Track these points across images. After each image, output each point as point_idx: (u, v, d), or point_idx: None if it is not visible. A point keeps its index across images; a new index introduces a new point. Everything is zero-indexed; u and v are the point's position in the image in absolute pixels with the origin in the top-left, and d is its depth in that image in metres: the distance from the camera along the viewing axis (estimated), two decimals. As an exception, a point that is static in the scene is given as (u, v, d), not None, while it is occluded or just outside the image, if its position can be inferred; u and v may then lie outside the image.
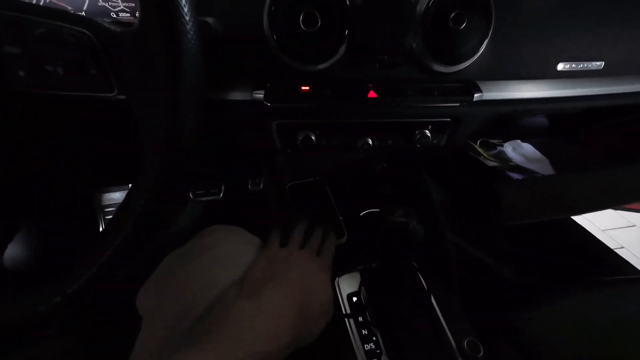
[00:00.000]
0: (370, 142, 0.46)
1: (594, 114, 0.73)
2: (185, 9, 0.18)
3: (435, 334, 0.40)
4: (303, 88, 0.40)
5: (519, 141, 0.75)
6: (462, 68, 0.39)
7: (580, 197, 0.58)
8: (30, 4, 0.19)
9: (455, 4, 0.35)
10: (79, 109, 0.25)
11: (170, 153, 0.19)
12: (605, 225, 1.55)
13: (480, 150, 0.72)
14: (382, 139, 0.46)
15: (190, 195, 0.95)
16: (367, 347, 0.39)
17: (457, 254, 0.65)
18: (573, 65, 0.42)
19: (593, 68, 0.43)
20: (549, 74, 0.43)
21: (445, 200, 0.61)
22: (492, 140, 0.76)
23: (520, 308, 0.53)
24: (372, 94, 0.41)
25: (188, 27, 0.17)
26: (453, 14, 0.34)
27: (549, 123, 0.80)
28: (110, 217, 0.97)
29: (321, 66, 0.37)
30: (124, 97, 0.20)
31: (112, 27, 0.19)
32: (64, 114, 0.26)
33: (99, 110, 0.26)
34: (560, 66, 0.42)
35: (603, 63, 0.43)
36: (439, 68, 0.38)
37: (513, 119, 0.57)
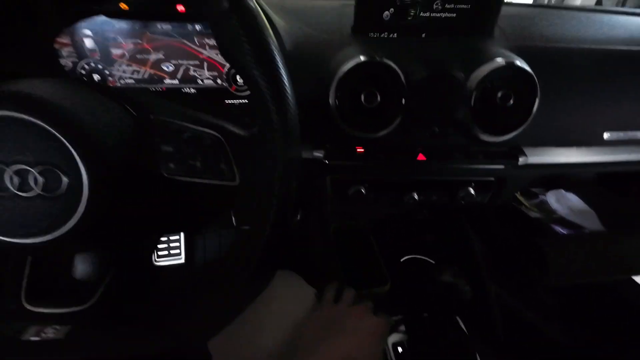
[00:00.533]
0: (416, 197, 0.49)
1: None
2: (295, 121, 0.23)
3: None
4: (358, 150, 0.45)
5: (562, 191, 0.74)
6: (508, 138, 0.42)
7: (630, 259, 0.56)
8: (184, 112, 0.25)
9: (503, 83, 0.39)
10: (205, 191, 0.31)
11: (279, 213, 0.24)
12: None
13: (521, 199, 0.72)
14: (428, 195, 0.49)
15: (233, 220, 1.01)
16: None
17: (499, 306, 0.64)
18: (620, 135, 0.44)
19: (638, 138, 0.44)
20: (595, 142, 0.45)
21: (486, 250, 0.61)
22: (534, 189, 0.75)
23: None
24: (421, 157, 0.44)
25: (296, 135, 0.23)
26: (501, 93, 0.38)
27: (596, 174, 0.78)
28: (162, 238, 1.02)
29: (377, 135, 0.41)
30: (238, 182, 0.25)
31: (238, 131, 0.25)
32: (194, 194, 0.32)
33: (218, 193, 0.32)
34: (607, 135, 0.44)
35: (652, 132, 0.44)
36: (487, 138, 0.41)
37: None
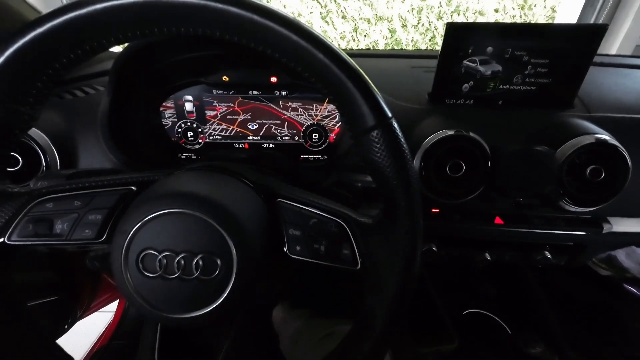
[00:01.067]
0: (488, 257, 0.49)
1: None
2: (420, 210, 0.25)
3: None
4: (433, 210, 0.46)
5: (633, 247, 0.70)
6: (595, 209, 0.41)
7: None
8: (311, 199, 0.28)
9: (592, 157, 0.39)
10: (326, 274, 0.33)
11: (401, 302, 0.26)
12: None
13: (588, 253, 0.69)
14: (501, 256, 0.49)
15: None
16: None
17: None
18: None
19: None
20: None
21: (557, 310, 0.59)
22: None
23: None
24: (498, 221, 0.45)
25: (420, 217, 0.25)
26: (590, 169, 0.38)
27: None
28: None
29: (459, 201, 0.43)
30: (359, 267, 0.27)
31: (362, 219, 0.27)
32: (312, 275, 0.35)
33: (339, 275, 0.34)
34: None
35: None
36: (572, 208, 0.41)
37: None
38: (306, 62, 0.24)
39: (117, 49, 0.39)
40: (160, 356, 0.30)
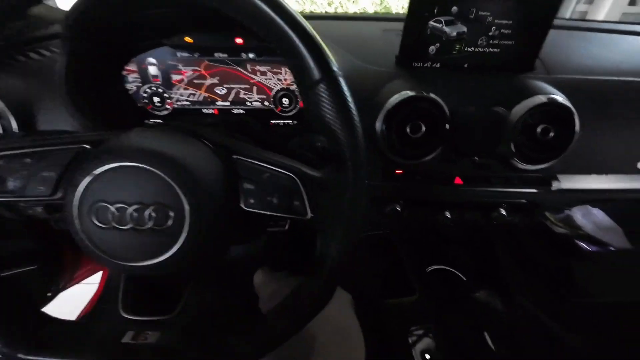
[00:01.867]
0: (449, 216, 0.52)
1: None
2: (365, 163, 0.27)
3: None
4: (397, 171, 0.48)
5: (588, 207, 0.75)
6: (545, 167, 0.44)
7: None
8: (265, 155, 0.29)
9: (543, 117, 0.41)
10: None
11: (346, 244, 0.28)
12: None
13: (547, 214, 0.73)
14: (460, 215, 0.52)
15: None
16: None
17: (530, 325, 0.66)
18: (654, 165, 0.45)
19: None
20: (628, 170, 0.46)
21: (514, 265, 0.63)
22: (559, 204, 0.77)
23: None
24: (458, 181, 0.47)
25: (364, 171, 0.27)
26: (541, 128, 0.40)
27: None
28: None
29: (418, 162, 0.44)
30: (309, 217, 0.29)
31: (312, 173, 0.28)
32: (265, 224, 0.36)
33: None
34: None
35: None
36: (525, 166, 0.44)
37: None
38: (252, 16, 0.24)
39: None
40: (125, 302, 0.32)
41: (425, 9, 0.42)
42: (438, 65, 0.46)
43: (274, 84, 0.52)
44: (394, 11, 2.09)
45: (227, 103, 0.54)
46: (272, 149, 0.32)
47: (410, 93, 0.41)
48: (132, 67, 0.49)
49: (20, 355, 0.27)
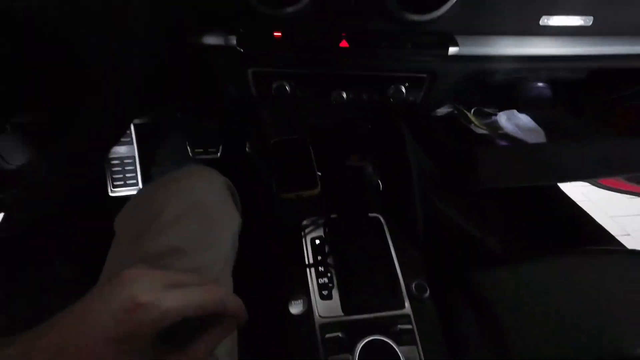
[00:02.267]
0: (344, 95, 0.46)
1: (601, 84, 0.69)
2: None
3: (386, 275, 0.43)
4: (275, 34, 0.41)
5: (514, 111, 0.72)
6: (434, 17, 0.38)
7: (562, 165, 0.57)
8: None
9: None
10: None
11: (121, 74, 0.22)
12: (615, 212, 1.50)
13: (472, 118, 0.70)
14: (357, 93, 0.47)
15: (189, 153, 0.99)
16: (321, 281, 0.42)
17: (444, 223, 0.66)
18: (556, 20, 0.40)
19: (579, 24, 0.41)
20: (530, 29, 0.41)
21: (433, 170, 0.61)
22: (486, 110, 0.74)
23: (486, 270, 0.55)
24: (344, 44, 0.41)
25: None
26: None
27: (552, 95, 0.77)
28: (117, 168, 1.02)
29: (290, 9, 0.37)
30: None
31: None
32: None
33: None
34: (543, 20, 0.41)
35: (592, 19, 0.41)
36: (411, 17, 0.38)
37: (499, 83, 0.55)
38: None
39: None
40: None
41: None
42: None
43: None
44: None
45: None
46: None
47: None
48: None
49: None
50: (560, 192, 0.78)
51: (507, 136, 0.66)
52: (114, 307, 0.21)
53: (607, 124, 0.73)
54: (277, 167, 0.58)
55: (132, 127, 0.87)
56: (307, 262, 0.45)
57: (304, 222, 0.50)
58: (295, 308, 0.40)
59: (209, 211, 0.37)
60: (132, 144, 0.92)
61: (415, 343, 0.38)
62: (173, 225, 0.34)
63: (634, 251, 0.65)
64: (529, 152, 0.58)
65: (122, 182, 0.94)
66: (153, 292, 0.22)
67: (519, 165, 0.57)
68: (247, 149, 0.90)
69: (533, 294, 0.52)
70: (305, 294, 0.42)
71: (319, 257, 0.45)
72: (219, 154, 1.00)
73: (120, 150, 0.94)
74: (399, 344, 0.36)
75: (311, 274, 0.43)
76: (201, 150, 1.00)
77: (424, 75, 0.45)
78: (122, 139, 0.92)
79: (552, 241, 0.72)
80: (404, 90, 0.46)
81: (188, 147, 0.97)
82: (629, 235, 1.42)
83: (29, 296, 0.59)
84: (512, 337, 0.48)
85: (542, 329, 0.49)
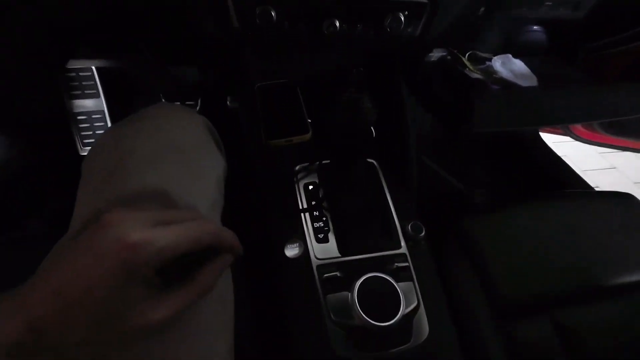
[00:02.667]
0: (337, 24, 0.42)
1: (595, 28, 0.68)
2: None
3: (382, 218, 0.42)
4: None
5: (509, 55, 0.70)
6: None
7: (553, 110, 0.57)
8: None
9: None
10: None
11: None
12: (587, 166, 1.57)
13: (467, 63, 0.67)
14: (351, 23, 0.42)
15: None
16: (316, 225, 0.41)
17: (431, 178, 0.66)
18: None
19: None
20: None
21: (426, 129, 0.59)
22: (481, 54, 0.71)
23: (475, 217, 0.56)
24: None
25: None
26: None
27: (547, 41, 0.75)
28: (85, 125, 0.93)
29: None
30: None
31: None
32: None
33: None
34: None
35: None
36: None
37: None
38: None
39: None
40: None
41: None
42: None
43: None
44: None
45: None
46: None
47: None
48: None
49: None
50: (540, 141, 0.79)
51: (501, 80, 0.64)
52: (101, 252, 0.19)
53: (600, 71, 0.73)
54: (264, 113, 0.54)
55: (96, 75, 0.78)
56: (301, 208, 0.43)
57: (297, 168, 0.47)
58: (291, 251, 0.39)
59: (188, 152, 0.33)
60: (99, 96, 0.83)
61: (411, 279, 0.38)
62: (149, 163, 0.30)
63: (606, 193, 0.68)
64: (522, 97, 0.57)
65: (92, 140, 0.86)
66: (142, 230, 0.20)
67: (511, 110, 0.56)
68: (228, 104, 0.84)
69: (518, 236, 0.54)
70: (300, 238, 0.40)
71: (313, 202, 0.43)
72: (197, 108, 0.93)
73: (86, 104, 0.85)
74: (396, 280, 0.36)
75: (306, 218, 0.42)
76: (178, 103, 0.92)
77: (425, 1, 0.41)
78: (88, 91, 0.83)
79: (533, 187, 0.75)
80: (402, 19, 0.41)
81: (163, 100, 0.90)
82: (597, 187, 1.51)
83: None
84: (499, 274, 0.50)
85: (526, 267, 0.52)
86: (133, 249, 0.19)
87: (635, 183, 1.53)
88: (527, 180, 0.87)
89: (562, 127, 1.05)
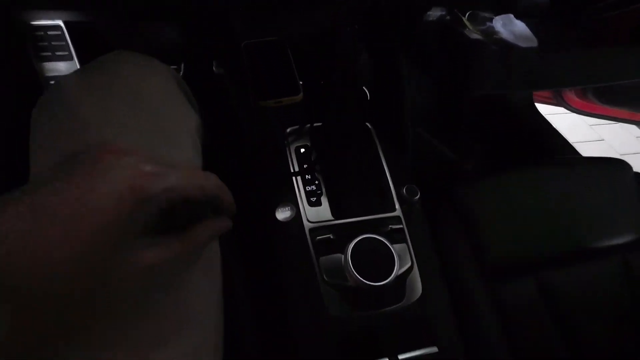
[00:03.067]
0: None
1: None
2: None
3: (376, 181, 0.41)
4: None
5: (511, 16, 0.66)
6: None
7: (551, 73, 0.55)
8: None
9: None
10: None
11: None
12: (576, 138, 1.59)
13: (467, 23, 0.64)
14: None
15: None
16: (308, 188, 0.40)
17: (425, 148, 0.64)
18: None
19: None
20: None
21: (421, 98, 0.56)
22: (482, 14, 0.67)
23: (469, 185, 0.55)
24: None
25: None
26: None
27: (549, 3, 0.72)
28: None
29: None
30: None
31: None
32: None
33: None
34: None
35: None
36: None
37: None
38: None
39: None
40: None
41: None
42: None
43: None
44: None
45: None
46: None
47: None
48: None
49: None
50: (534, 109, 0.78)
51: (500, 41, 0.61)
52: (112, 176, 0.17)
53: (602, 35, 0.71)
54: (252, 73, 0.50)
55: (66, 34, 0.71)
56: (292, 171, 0.41)
57: (288, 131, 0.45)
58: (283, 214, 0.37)
59: (152, 104, 0.29)
60: (73, 58, 0.77)
61: (405, 241, 0.38)
62: (109, 116, 0.26)
63: (597, 159, 0.69)
64: (520, 59, 0.55)
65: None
66: (152, 164, 0.18)
67: (508, 73, 0.54)
68: (214, 69, 0.79)
69: (508, 202, 0.55)
70: (292, 201, 0.39)
71: (305, 166, 0.41)
72: (181, 73, 0.87)
73: (59, 67, 0.79)
74: (391, 242, 0.36)
75: (298, 182, 0.40)
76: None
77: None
78: (59, 53, 0.76)
79: (524, 156, 0.75)
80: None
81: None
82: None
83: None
84: (489, 238, 0.50)
85: (515, 231, 0.52)
86: (147, 177, 0.17)
87: (622, 155, 1.56)
88: (519, 150, 0.87)
89: (556, 96, 1.04)
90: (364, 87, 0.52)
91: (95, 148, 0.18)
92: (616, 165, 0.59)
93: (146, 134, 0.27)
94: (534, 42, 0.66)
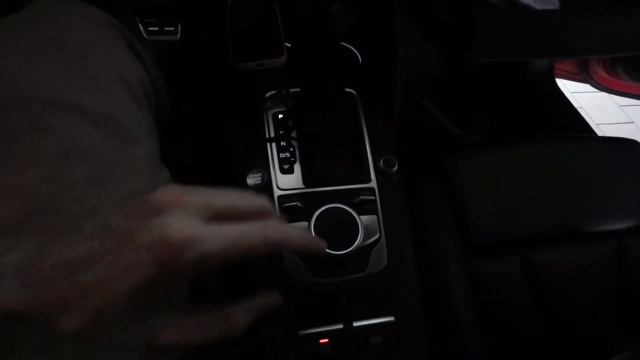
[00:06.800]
0: None
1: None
2: None
3: (353, 150, 0.40)
4: None
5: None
6: None
7: (572, 37, 0.49)
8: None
9: None
10: None
11: None
12: (602, 119, 1.47)
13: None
14: None
15: (143, 33, 0.83)
16: (282, 155, 0.39)
17: (428, 121, 0.60)
18: None
19: None
20: None
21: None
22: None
23: (461, 156, 0.53)
24: None
25: None
26: None
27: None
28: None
29: None
30: None
31: None
32: None
33: None
34: None
35: None
36: None
37: None
38: None
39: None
40: None
41: None
42: None
43: None
44: None
45: None
46: None
47: None
48: None
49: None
50: (552, 83, 0.72)
51: (514, 3, 0.55)
52: (138, 244, 0.16)
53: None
54: (234, 31, 0.48)
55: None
56: (267, 137, 0.40)
57: (267, 95, 0.43)
58: (253, 180, 0.37)
59: (76, 51, 0.27)
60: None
61: (375, 213, 0.37)
62: (28, 62, 0.24)
63: (607, 138, 0.64)
64: (534, 21, 0.49)
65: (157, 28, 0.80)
66: (192, 225, 0.17)
67: (520, 36, 0.48)
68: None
69: (502, 176, 0.52)
70: (265, 168, 0.39)
71: (281, 132, 0.40)
72: (178, 35, 0.85)
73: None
74: (359, 213, 0.35)
75: (272, 148, 0.39)
76: (156, 28, 0.84)
77: None
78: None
79: (533, 128, 0.70)
80: None
81: (140, 26, 0.82)
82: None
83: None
84: (477, 213, 0.48)
85: (506, 207, 0.50)
86: (176, 248, 0.16)
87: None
88: (530, 127, 0.81)
89: (582, 71, 0.94)
90: (353, 49, 0.49)
91: (146, 196, 0.17)
92: (628, 145, 0.55)
93: (63, 78, 0.25)
94: (554, 4, 0.58)
